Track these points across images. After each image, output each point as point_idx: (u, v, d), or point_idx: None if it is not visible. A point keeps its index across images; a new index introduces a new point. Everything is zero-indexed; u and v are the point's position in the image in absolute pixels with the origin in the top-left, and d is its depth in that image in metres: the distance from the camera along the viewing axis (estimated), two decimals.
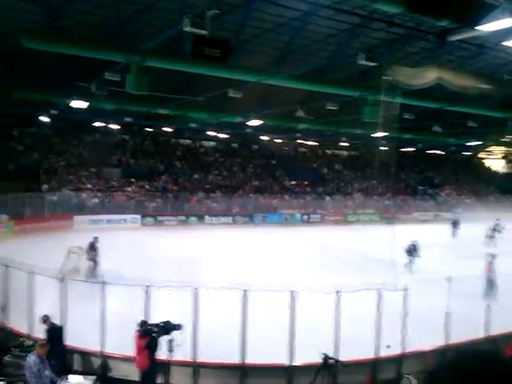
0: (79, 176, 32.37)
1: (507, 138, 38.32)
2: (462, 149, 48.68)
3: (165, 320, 8.47)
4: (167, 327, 8.35)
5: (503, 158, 51.56)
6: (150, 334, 8.36)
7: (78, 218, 28.22)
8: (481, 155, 54.95)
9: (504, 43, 13.95)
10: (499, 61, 22.12)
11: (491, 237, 26.35)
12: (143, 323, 8.57)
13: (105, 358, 9.37)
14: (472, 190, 47.81)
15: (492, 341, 10.44)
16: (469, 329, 10.40)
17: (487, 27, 12.82)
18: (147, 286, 9.04)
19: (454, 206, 42.23)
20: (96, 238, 16.87)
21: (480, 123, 30.46)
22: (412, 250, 19.28)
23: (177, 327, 8.34)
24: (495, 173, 55.17)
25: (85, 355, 9.58)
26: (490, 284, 15.10)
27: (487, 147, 50.96)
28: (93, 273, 16.04)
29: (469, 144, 43.19)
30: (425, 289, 11.52)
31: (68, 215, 28.10)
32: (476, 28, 13.28)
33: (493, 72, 22.43)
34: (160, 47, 17.11)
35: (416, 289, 10.12)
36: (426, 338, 10.09)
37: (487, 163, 56.16)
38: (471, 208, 39.47)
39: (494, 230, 27.13)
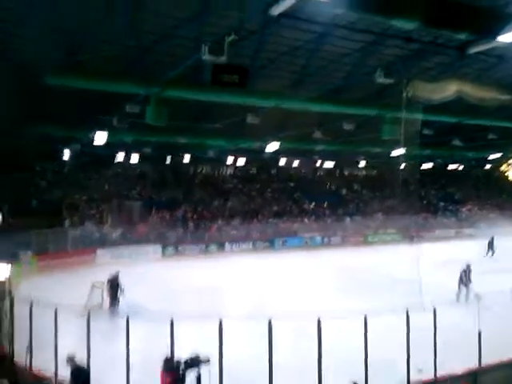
0: (101, 210, 32.49)
1: None
2: (482, 162, 47.99)
3: (192, 355, 8.15)
4: (195, 362, 8.04)
5: None
6: (176, 371, 8.03)
7: (100, 252, 28.17)
8: (502, 168, 54.06)
9: None
10: None
11: None
12: (169, 359, 8.26)
13: None
14: (495, 204, 46.89)
15: None
16: (502, 349, 10.05)
17: (507, 38, 12.63)
18: (171, 320, 8.69)
19: (477, 221, 41.50)
20: (117, 272, 16.65)
21: (500, 135, 30.07)
22: (465, 277, 17.29)
23: (205, 361, 8.02)
24: None
25: None
26: None
27: (509, 159, 50.17)
28: (114, 309, 15.83)
29: (489, 157, 42.56)
30: (454, 308, 11.20)
31: (90, 249, 28.07)
32: (496, 39, 13.13)
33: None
34: (179, 77, 17.23)
35: (444, 309, 9.81)
36: (459, 361, 9.74)
37: (509, 176, 55.16)
38: (495, 222, 38.67)
39: None
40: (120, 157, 34.77)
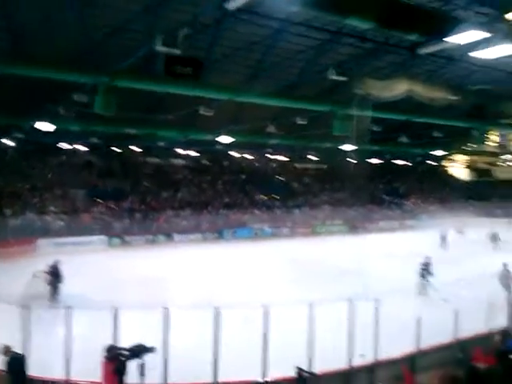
0: (44, 199, 31.21)
1: (470, 147, 39.59)
2: (427, 158, 49.84)
3: (136, 343, 8.07)
4: (138, 351, 7.93)
5: (466, 165, 53.09)
6: (118, 359, 7.89)
7: (41, 242, 27.10)
8: (445, 164, 56.43)
9: (470, 54, 14.21)
10: (465, 72, 22.72)
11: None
12: (111, 348, 8.15)
13: None
14: (437, 197, 48.91)
15: (461, 344, 10.59)
16: (439, 334, 10.66)
17: (455, 39, 13.07)
18: (115, 309, 8.59)
19: (419, 213, 43.21)
20: (57, 261, 16.14)
21: (445, 133, 31.30)
22: (425, 270, 16.90)
23: (150, 350, 7.95)
24: (459, 180, 56.75)
25: None
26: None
27: (451, 156, 52.40)
28: (55, 298, 15.38)
29: (434, 154, 44.23)
30: (397, 297, 11.71)
31: (32, 239, 26.96)
32: (444, 40, 13.57)
33: (459, 83, 22.98)
34: (130, 67, 16.69)
35: (388, 298, 10.23)
36: (399, 346, 10.18)
37: (451, 172, 57.72)
38: (436, 214, 40.42)
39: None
40: (66, 146, 33.51)
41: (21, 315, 9.01)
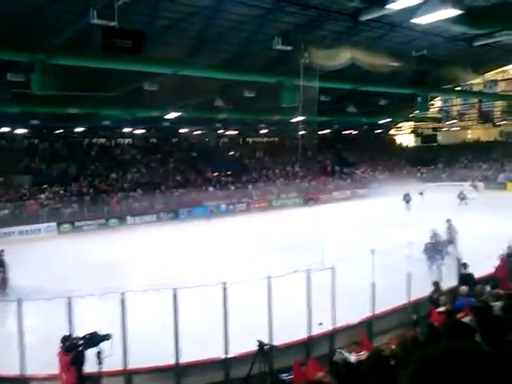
0: None
1: (415, 114, 40.57)
2: (374, 127, 50.80)
3: (91, 332, 7.85)
4: (94, 339, 7.73)
5: (412, 132, 54.57)
6: (74, 349, 7.68)
7: None
8: (392, 132, 57.79)
9: (412, 20, 14.41)
10: (408, 38, 23.04)
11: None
12: (66, 338, 7.89)
13: (27, 380, 8.50)
14: (385, 165, 50.20)
15: (414, 306, 10.99)
16: (394, 297, 11.00)
17: (395, 5, 13.25)
18: (68, 298, 8.35)
19: (369, 182, 44.30)
20: (2, 251, 15.52)
21: (390, 101, 31.91)
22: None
23: (105, 337, 7.76)
24: (406, 147, 58.37)
25: (3, 381, 8.67)
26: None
27: (397, 123, 53.66)
28: (2, 290, 14.85)
29: (380, 122, 45.12)
30: (352, 264, 12.03)
31: None
32: (385, 7, 13.70)
33: (402, 50, 23.31)
34: (67, 43, 15.86)
35: (345, 266, 10.46)
36: (356, 312, 10.50)
37: (398, 139, 59.26)
38: (385, 183, 41.54)
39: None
40: (5, 129, 31.81)
41: None
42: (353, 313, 10.38)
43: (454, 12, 12.71)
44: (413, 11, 13.92)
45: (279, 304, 9.43)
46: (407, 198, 31.03)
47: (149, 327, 10.61)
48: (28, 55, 15.48)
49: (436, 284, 11.12)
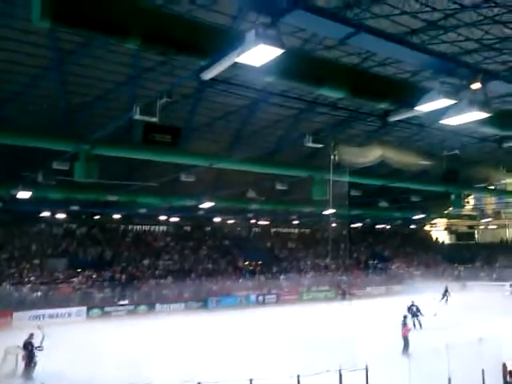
0: (21, 269, 30.46)
1: (449, 210, 40.26)
2: (407, 222, 50.37)
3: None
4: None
5: (446, 229, 53.79)
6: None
7: (17, 315, 26.15)
8: (426, 228, 57.05)
9: (441, 122, 14.87)
10: (437, 138, 23.56)
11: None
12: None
13: None
14: (420, 261, 48.95)
15: None
16: None
17: (423, 108, 13.74)
18: None
19: (404, 278, 43.01)
20: (31, 334, 15.40)
21: (423, 197, 31.91)
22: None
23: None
24: (442, 244, 57.16)
25: None
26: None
27: (431, 220, 53.10)
28: (29, 374, 14.59)
29: (414, 217, 44.77)
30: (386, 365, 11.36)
31: (7, 312, 26.01)
32: (413, 109, 14.24)
33: (432, 149, 23.76)
34: (110, 135, 17.02)
35: (378, 366, 9.92)
36: None
37: (434, 235, 58.28)
38: (421, 279, 40.27)
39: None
40: (45, 213, 33.22)
41: None
42: None
43: (483, 115, 13.04)
44: (442, 113, 14.40)
45: None
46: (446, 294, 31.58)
47: None
48: (73, 145, 16.62)
49: None
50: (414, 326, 20.91)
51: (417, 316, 21.84)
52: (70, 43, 14.78)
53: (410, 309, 21.80)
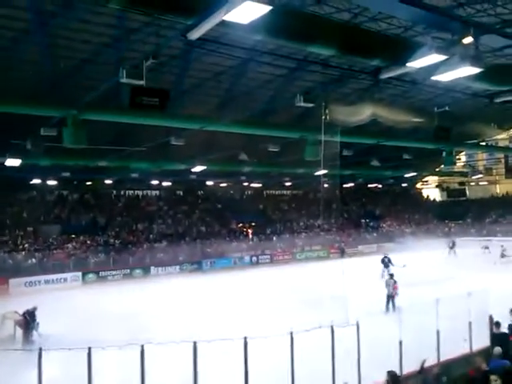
0: (14, 236, 30.48)
1: (441, 168, 40.39)
2: (399, 181, 50.61)
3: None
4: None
5: (437, 186, 54.09)
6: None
7: (13, 282, 26.38)
8: (417, 186, 57.37)
9: (433, 78, 14.69)
10: (429, 95, 23.40)
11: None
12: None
13: None
14: (412, 219, 49.52)
15: (446, 366, 10.36)
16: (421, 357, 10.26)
17: (415, 64, 13.50)
18: (88, 348, 8.23)
19: (396, 236, 43.57)
20: (34, 307, 15.50)
21: (414, 155, 31.90)
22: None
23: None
24: (433, 201, 57.67)
25: None
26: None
27: (423, 178, 53.34)
28: (28, 340, 14.80)
29: (405, 176, 44.94)
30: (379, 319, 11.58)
31: (2, 279, 26.21)
32: (405, 65, 14.01)
33: (424, 106, 23.60)
34: (97, 99, 16.69)
35: (370, 321, 10.12)
36: (382, 370, 9.90)
37: (425, 193, 58.71)
38: (412, 236, 40.83)
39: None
40: (37, 180, 32.96)
41: None
42: (380, 371, 9.93)
43: (475, 70, 12.88)
44: (434, 69, 14.21)
45: (302, 360, 9.10)
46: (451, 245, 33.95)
47: (168, 381, 10.50)
48: (61, 111, 16.29)
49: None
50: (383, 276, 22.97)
51: (388, 267, 24.31)
52: (53, 5, 14.26)
53: (382, 260, 25.11)
